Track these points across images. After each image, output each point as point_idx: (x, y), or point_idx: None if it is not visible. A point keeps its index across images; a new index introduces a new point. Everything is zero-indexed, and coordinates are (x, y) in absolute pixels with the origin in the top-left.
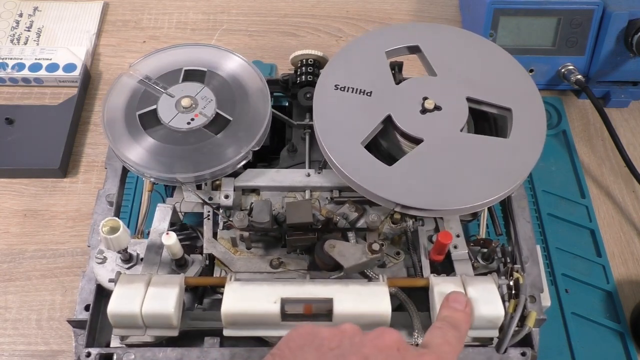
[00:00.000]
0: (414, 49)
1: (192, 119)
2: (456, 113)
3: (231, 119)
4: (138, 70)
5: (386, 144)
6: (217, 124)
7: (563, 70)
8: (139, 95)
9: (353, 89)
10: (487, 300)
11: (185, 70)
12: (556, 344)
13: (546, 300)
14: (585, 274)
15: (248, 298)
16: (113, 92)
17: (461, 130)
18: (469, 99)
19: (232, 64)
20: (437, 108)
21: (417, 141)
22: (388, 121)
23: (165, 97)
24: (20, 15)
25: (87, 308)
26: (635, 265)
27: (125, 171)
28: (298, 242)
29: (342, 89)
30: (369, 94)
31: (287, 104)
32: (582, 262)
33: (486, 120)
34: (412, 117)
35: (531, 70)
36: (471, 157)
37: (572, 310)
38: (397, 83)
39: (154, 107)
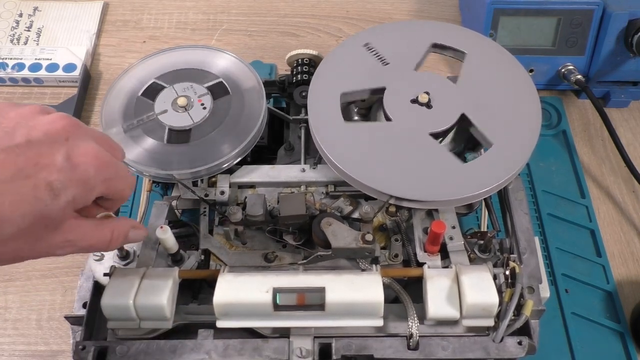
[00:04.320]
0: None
1: (188, 118)
2: (439, 121)
3: (227, 116)
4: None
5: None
6: (213, 121)
7: (563, 70)
8: (136, 97)
9: (376, 53)
10: (480, 287)
11: (182, 70)
12: (556, 344)
13: (545, 291)
14: (585, 274)
15: (240, 288)
16: (111, 94)
17: (432, 136)
18: (463, 117)
19: (226, 63)
20: (427, 106)
21: (387, 118)
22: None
23: (162, 96)
24: (20, 15)
25: (85, 305)
26: (635, 265)
27: None
28: (289, 219)
29: (370, 49)
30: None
31: (285, 105)
32: (582, 262)
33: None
34: (399, 99)
35: (531, 70)
36: (483, 133)
37: (572, 310)
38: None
39: (151, 109)
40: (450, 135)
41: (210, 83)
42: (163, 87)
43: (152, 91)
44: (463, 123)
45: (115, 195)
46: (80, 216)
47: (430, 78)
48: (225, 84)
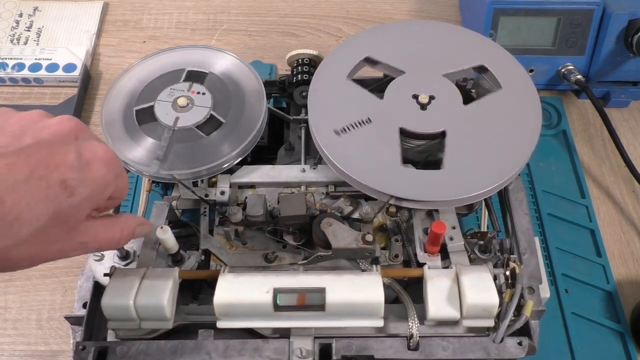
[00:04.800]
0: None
1: (188, 118)
2: (449, 92)
3: (227, 116)
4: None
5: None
6: (213, 121)
7: (563, 70)
8: (136, 97)
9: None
10: (481, 288)
11: (182, 70)
12: (556, 344)
13: (545, 291)
14: (585, 274)
15: (240, 288)
16: (111, 95)
17: (465, 104)
18: (446, 75)
19: (226, 63)
20: (431, 98)
21: (439, 136)
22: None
23: (162, 96)
24: (20, 15)
25: (85, 305)
26: (635, 265)
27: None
28: (289, 220)
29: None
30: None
31: (285, 105)
32: (582, 262)
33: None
34: (418, 117)
35: (531, 70)
36: (465, 149)
37: (572, 310)
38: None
39: (151, 104)
40: (419, 142)
41: (211, 83)
42: (163, 87)
43: (153, 91)
44: (435, 139)
45: (119, 193)
46: (92, 217)
47: (396, 87)
48: (226, 84)
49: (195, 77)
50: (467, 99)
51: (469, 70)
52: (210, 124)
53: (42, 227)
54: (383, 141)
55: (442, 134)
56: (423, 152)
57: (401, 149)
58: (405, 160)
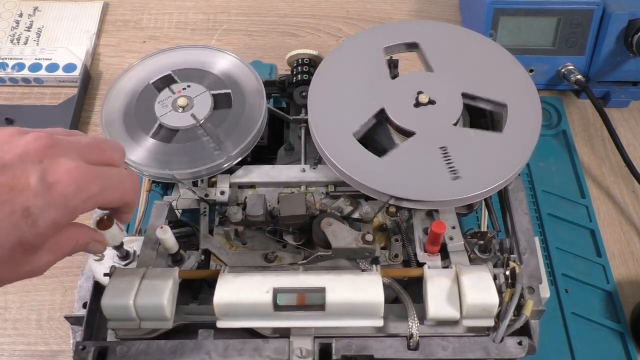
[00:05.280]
0: (412, 46)
1: (188, 118)
2: (450, 107)
3: (227, 116)
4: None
5: (380, 138)
6: (213, 121)
7: (563, 70)
8: (136, 97)
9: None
10: (480, 288)
11: (181, 70)
12: (556, 344)
13: (545, 291)
14: (585, 274)
15: (240, 288)
16: (111, 94)
17: (455, 124)
18: (464, 95)
19: (226, 63)
20: (431, 102)
21: (408, 134)
22: (382, 115)
23: (162, 96)
24: (20, 15)
25: (85, 305)
26: (635, 265)
27: None
28: (289, 219)
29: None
30: (364, 88)
31: (285, 105)
32: (582, 262)
33: (483, 117)
34: (405, 110)
35: (531, 70)
36: (465, 149)
37: (572, 310)
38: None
39: (151, 104)
40: (462, 117)
41: (210, 83)
42: (163, 87)
43: (152, 91)
44: (468, 100)
45: (112, 205)
46: (59, 233)
47: (412, 78)
48: (226, 84)
49: (195, 77)
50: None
51: (488, 102)
52: (210, 123)
53: (5, 254)
54: (359, 115)
55: (410, 134)
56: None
57: (368, 126)
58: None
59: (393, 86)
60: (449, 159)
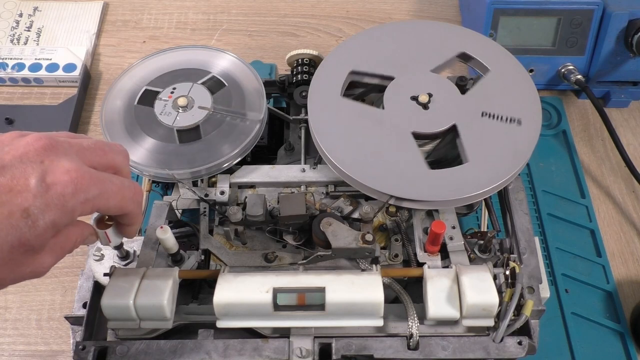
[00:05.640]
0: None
1: (188, 117)
2: (445, 88)
3: (227, 116)
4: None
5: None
6: (213, 121)
7: (563, 70)
8: (136, 97)
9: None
10: (480, 288)
11: (182, 71)
12: (556, 344)
13: (545, 291)
14: (585, 274)
15: (240, 288)
16: (111, 94)
17: (463, 94)
18: (434, 70)
19: (226, 63)
20: (425, 106)
21: (449, 131)
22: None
23: (162, 96)
24: (20, 15)
25: (85, 305)
26: (635, 265)
27: None
28: (289, 219)
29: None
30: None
31: (285, 105)
32: (582, 262)
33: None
34: (425, 118)
35: (531, 70)
36: (465, 149)
37: (572, 310)
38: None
39: (151, 104)
40: (434, 143)
41: (211, 83)
42: (163, 88)
43: (152, 91)
44: (450, 134)
45: (112, 212)
46: (59, 233)
47: (438, 81)
48: (226, 84)
49: (195, 77)
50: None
51: (454, 60)
52: (210, 124)
53: (5, 255)
54: (400, 149)
55: (453, 128)
56: (436, 151)
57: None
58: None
59: (388, 114)
60: None
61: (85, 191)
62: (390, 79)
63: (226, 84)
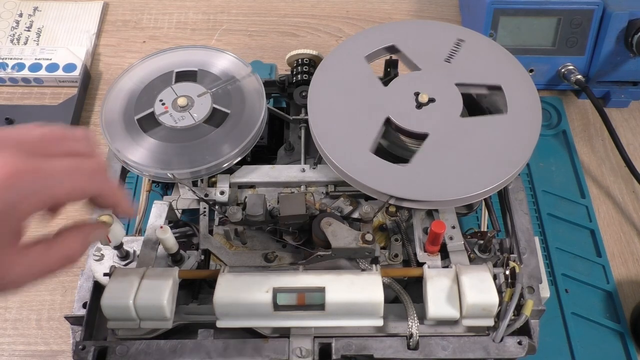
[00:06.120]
0: (392, 49)
1: (189, 117)
2: (451, 100)
3: (227, 116)
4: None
5: (387, 143)
6: (213, 121)
7: (563, 70)
8: (136, 97)
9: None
10: (480, 288)
11: (181, 71)
12: (556, 344)
13: (545, 291)
14: (585, 274)
15: (240, 288)
16: (111, 94)
17: (461, 116)
18: (458, 85)
19: (226, 63)
20: (431, 100)
21: (422, 137)
22: (390, 125)
23: (162, 96)
24: (20, 15)
25: (85, 305)
26: (635, 265)
27: (124, 172)
28: (289, 219)
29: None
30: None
31: (285, 105)
32: (582, 262)
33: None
34: (410, 114)
35: (531, 70)
36: (465, 148)
37: (572, 310)
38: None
39: (151, 104)
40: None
41: (210, 83)
42: (163, 87)
43: (152, 91)
44: (465, 91)
45: (75, 198)
46: (21, 247)
47: (404, 81)
48: (225, 83)
49: (195, 77)
50: (475, 109)
51: (483, 87)
52: (210, 123)
53: None
54: (366, 126)
55: (424, 136)
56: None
57: (379, 137)
58: (385, 154)
59: (389, 93)
60: None
61: (20, 185)
62: (417, 68)
63: (226, 84)
